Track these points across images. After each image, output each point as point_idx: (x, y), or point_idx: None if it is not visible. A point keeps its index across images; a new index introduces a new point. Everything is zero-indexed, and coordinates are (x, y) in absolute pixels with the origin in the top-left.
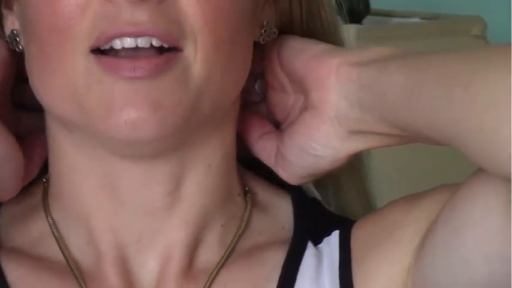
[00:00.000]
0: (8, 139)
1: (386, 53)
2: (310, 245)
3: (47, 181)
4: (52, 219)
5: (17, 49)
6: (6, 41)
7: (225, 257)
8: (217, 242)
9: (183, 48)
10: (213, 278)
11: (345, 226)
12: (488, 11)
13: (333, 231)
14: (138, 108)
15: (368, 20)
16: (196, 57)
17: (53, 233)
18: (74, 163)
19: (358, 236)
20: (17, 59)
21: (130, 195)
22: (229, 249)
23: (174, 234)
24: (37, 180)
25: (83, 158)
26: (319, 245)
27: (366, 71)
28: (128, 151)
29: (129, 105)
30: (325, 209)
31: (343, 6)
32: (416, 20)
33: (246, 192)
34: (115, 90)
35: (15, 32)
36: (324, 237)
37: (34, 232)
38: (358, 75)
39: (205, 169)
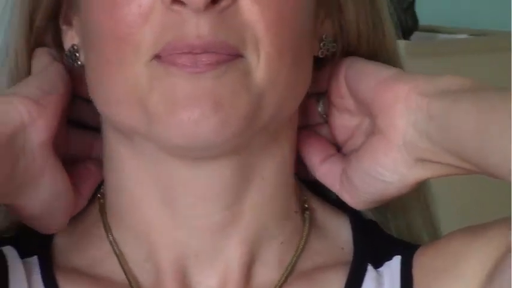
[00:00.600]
0: (63, 176)
1: (457, 84)
2: (370, 268)
3: (102, 197)
4: (113, 237)
5: (75, 64)
6: (66, 54)
7: (284, 277)
8: (276, 260)
9: (244, 56)
10: None
11: (407, 251)
12: None
13: (393, 255)
14: (201, 105)
15: (416, 35)
16: (258, 64)
17: (115, 251)
18: (134, 175)
19: (420, 263)
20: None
21: (190, 209)
22: (289, 268)
23: (232, 250)
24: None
25: (143, 169)
26: (380, 269)
27: (436, 102)
28: (189, 151)
29: (192, 102)
30: (384, 232)
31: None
32: (463, 36)
33: (305, 209)
34: (177, 86)
35: (75, 47)
36: (385, 261)
37: (94, 252)
38: (428, 106)
39: (260, 182)
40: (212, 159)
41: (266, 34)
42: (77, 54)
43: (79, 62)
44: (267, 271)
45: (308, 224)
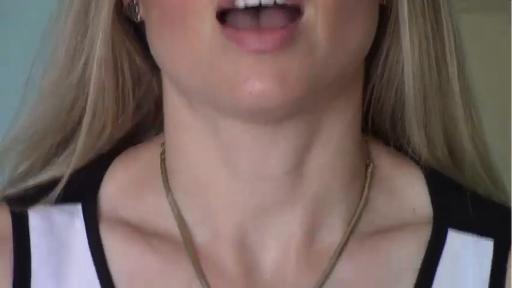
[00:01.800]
0: None
1: None
2: (451, 236)
3: (163, 153)
4: (172, 195)
5: (135, 19)
6: (125, 8)
7: (343, 241)
8: (339, 223)
9: (303, 9)
10: (333, 266)
11: (503, 233)
12: None
13: (484, 233)
14: (263, 80)
15: None
16: (317, 18)
17: (172, 208)
18: (194, 135)
19: None
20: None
21: (251, 171)
22: (349, 230)
23: (294, 214)
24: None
25: (204, 130)
26: (464, 241)
27: None
28: (251, 119)
29: (254, 77)
30: (471, 193)
31: None
32: None
33: (368, 165)
34: (239, 63)
35: (134, 1)
36: (471, 232)
37: (148, 207)
38: None
39: (325, 143)
40: (273, 128)
41: None
42: (136, 9)
43: (138, 17)
44: (330, 234)
45: (369, 181)
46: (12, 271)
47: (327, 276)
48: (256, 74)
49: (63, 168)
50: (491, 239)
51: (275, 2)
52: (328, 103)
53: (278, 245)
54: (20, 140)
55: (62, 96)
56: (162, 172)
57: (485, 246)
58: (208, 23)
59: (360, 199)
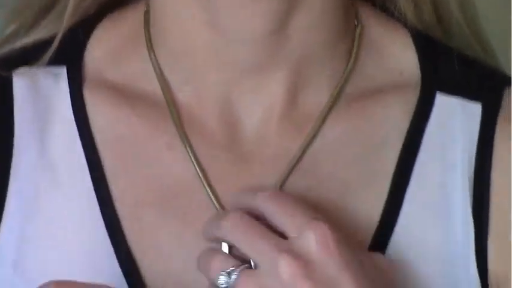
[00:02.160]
0: None
1: None
2: (439, 99)
3: (148, 13)
4: (154, 54)
5: None
6: None
7: (330, 102)
8: (324, 84)
9: None
10: (319, 126)
11: (491, 97)
12: None
13: (473, 96)
14: None
15: None
16: None
17: (154, 68)
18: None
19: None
20: None
21: (234, 29)
22: (336, 92)
23: (278, 75)
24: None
25: None
26: (452, 104)
27: None
28: None
29: None
30: (458, 53)
31: None
32: None
33: (357, 26)
34: None
35: None
36: (460, 95)
37: (132, 68)
38: None
39: (311, 5)
40: None
41: None
42: None
43: None
44: (314, 96)
45: (358, 42)
46: None
47: (312, 137)
48: None
49: (49, 30)
50: (479, 102)
51: None
52: None
53: (262, 105)
54: (6, 2)
55: None
56: (145, 32)
57: (474, 109)
58: None
59: (348, 61)
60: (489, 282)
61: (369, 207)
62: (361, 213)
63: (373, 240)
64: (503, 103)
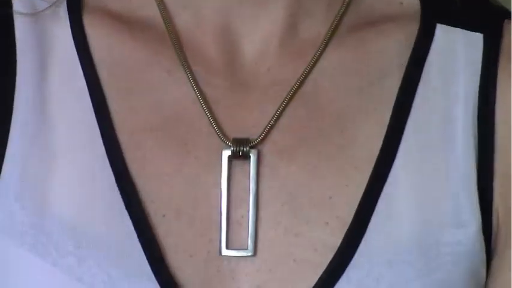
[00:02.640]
0: None
1: None
2: (440, 30)
3: None
4: None
5: None
6: None
7: (330, 32)
8: (323, 13)
9: None
10: (319, 55)
11: (491, 27)
12: None
13: (473, 27)
14: None
15: None
16: None
17: None
18: None
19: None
20: None
21: None
22: (336, 20)
23: (278, 3)
24: None
25: None
26: (453, 35)
27: None
28: None
29: None
30: None
31: None
32: None
33: None
34: None
35: None
36: (459, 25)
37: None
38: None
39: None
40: None
41: None
42: None
43: None
44: (314, 25)
45: None
46: None
47: (312, 65)
48: None
49: None
50: (480, 33)
51: None
52: None
53: (261, 33)
54: None
55: None
56: None
57: (475, 39)
58: None
59: None
60: (492, 221)
61: (369, 137)
62: (361, 142)
63: (373, 171)
64: (504, 33)
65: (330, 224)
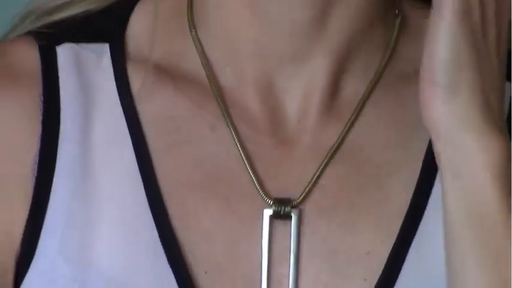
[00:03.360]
0: None
1: None
2: None
3: (189, 4)
4: (196, 32)
5: None
6: None
7: (370, 88)
8: (362, 70)
9: None
10: (357, 114)
11: None
12: None
13: None
14: None
15: None
16: None
17: (196, 47)
18: None
19: None
20: None
21: (275, 15)
22: (375, 78)
23: (318, 61)
24: None
25: None
26: None
27: None
28: None
29: None
30: None
31: None
32: None
33: (397, 15)
34: None
35: None
36: None
37: (174, 45)
38: None
39: None
40: None
41: None
42: None
43: None
44: (353, 83)
45: (397, 30)
46: (41, 108)
47: (351, 124)
48: None
49: (92, 5)
50: None
51: None
52: None
53: (302, 92)
54: None
55: None
56: (188, 11)
57: None
58: None
59: (386, 48)
60: None
61: (402, 190)
62: (395, 196)
63: (403, 226)
64: None
65: (368, 280)
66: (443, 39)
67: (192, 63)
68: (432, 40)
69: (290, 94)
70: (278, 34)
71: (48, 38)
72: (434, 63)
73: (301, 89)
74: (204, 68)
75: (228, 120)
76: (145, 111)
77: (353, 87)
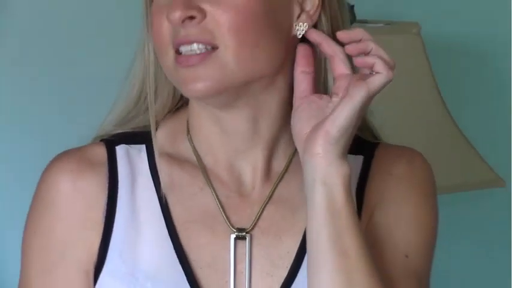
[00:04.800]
0: None
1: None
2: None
3: (187, 123)
4: (192, 142)
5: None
6: None
7: (286, 167)
8: (284, 152)
9: (217, 47)
10: (280, 179)
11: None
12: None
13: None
14: (195, 81)
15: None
16: (227, 51)
17: (192, 148)
18: (202, 114)
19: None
20: None
21: (229, 129)
22: (288, 161)
23: (257, 151)
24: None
25: (201, 110)
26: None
27: None
28: (207, 103)
29: (191, 80)
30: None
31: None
32: (380, 25)
33: None
34: (183, 74)
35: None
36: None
37: (180, 145)
38: None
39: (269, 113)
40: (227, 107)
41: (229, 35)
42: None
43: None
44: (279, 160)
45: None
46: (107, 186)
47: (277, 185)
48: (191, 79)
49: (136, 124)
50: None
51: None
52: (263, 91)
53: (251, 168)
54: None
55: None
56: (187, 127)
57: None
58: (172, 52)
59: None
60: None
61: (304, 219)
62: (300, 222)
63: (303, 237)
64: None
65: (288, 267)
66: (346, 112)
67: (190, 156)
68: (339, 109)
69: (244, 170)
70: (232, 139)
71: (111, 142)
72: (336, 124)
73: (250, 167)
74: (196, 158)
75: (210, 184)
76: (165, 182)
77: (279, 162)
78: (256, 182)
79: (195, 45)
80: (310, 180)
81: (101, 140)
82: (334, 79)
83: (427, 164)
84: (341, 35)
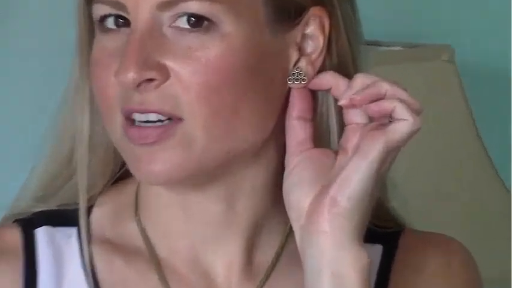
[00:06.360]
0: None
1: None
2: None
3: (136, 198)
4: (141, 224)
5: None
6: None
7: (275, 259)
8: (269, 244)
9: (182, 118)
10: (267, 276)
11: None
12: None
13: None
14: (151, 164)
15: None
16: (195, 124)
17: (142, 233)
18: (153, 186)
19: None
20: None
21: (196, 212)
22: (278, 251)
23: (232, 241)
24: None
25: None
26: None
27: None
28: (166, 189)
29: (145, 163)
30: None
31: None
32: (398, 48)
33: None
34: (135, 152)
35: None
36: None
37: (126, 230)
38: None
39: (249, 191)
40: (194, 188)
41: (197, 103)
42: None
43: None
44: (263, 254)
45: None
46: (23, 283)
47: (262, 285)
48: (146, 161)
49: (64, 200)
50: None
51: (159, 119)
52: (242, 169)
53: (225, 264)
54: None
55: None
56: (135, 207)
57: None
58: (120, 116)
59: (286, 225)
60: None
61: None
62: None
63: None
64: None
65: None
66: (359, 175)
67: (138, 243)
68: (350, 171)
69: (215, 266)
70: (198, 224)
71: (29, 223)
72: (345, 191)
73: (223, 262)
74: (147, 247)
75: (164, 284)
76: (102, 280)
77: (265, 253)
78: (233, 282)
79: (152, 116)
80: (315, 270)
81: (15, 221)
82: (341, 129)
83: (469, 256)
84: (353, 101)
